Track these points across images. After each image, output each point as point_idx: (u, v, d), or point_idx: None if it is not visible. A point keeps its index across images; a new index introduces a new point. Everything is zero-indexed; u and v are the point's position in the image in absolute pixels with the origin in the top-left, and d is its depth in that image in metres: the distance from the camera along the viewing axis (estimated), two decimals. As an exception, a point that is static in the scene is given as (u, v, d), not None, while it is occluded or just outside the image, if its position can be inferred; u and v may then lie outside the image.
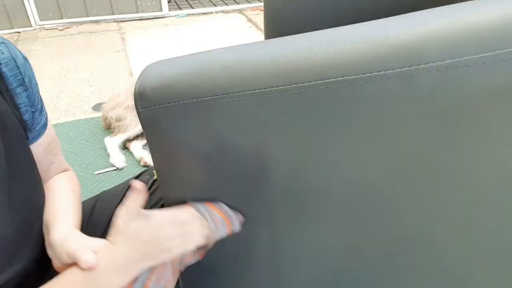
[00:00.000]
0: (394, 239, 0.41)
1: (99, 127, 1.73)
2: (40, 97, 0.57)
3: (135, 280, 0.39)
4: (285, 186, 0.37)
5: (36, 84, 0.56)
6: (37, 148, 0.56)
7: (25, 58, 0.54)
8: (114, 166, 1.48)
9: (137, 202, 0.40)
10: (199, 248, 0.42)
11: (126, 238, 0.40)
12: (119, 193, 0.79)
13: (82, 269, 0.40)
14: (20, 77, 0.51)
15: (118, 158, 1.50)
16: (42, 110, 0.57)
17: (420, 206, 0.37)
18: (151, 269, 0.40)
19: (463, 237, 0.40)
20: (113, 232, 0.40)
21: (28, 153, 0.52)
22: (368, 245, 0.41)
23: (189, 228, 0.39)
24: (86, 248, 0.42)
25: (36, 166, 0.54)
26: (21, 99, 0.52)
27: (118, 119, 1.61)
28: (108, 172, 1.46)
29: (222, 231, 0.40)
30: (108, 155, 1.53)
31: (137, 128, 1.59)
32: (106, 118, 1.66)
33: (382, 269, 0.44)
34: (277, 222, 0.41)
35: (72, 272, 0.41)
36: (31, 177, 0.52)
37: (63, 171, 0.64)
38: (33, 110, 0.54)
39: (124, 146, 1.60)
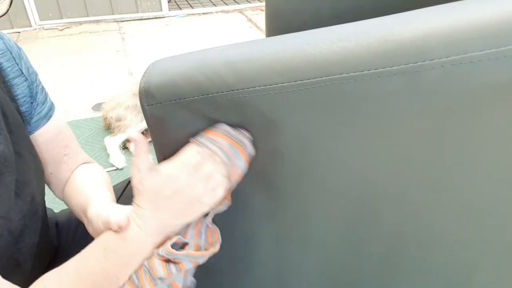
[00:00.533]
0: (397, 237, 0.41)
1: (99, 127, 1.73)
2: (43, 88, 0.56)
3: (171, 238, 0.37)
4: (289, 182, 0.37)
5: (35, 73, 0.55)
6: (40, 138, 0.55)
7: (19, 48, 0.53)
8: (114, 166, 1.48)
9: (142, 155, 0.37)
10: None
11: (147, 197, 0.38)
12: (117, 192, 0.79)
13: (115, 231, 0.39)
14: (17, 67, 0.51)
15: (118, 158, 1.50)
16: (45, 101, 0.56)
17: (424, 204, 0.37)
18: (188, 227, 0.38)
19: (465, 236, 0.40)
20: (134, 193, 0.39)
21: (27, 141, 0.52)
22: (372, 243, 0.42)
23: (205, 171, 0.36)
24: (118, 211, 0.40)
25: (36, 154, 0.53)
26: (19, 89, 0.51)
27: (118, 119, 1.61)
28: (108, 172, 1.46)
29: (239, 160, 0.36)
30: (108, 155, 1.53)
31: (137, 128, 1.59)
32: (106, 118, 1.66)
33: (385, 267, 0.44)
34: (281, 219, 0.41)
35: (105, 235, 0.40)
36: (32, 164, 0.52)
37: (85, 163, 0.63)
38: (32, 101, 0.53)
39: (124, 146, 1.60)
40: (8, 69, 0.50)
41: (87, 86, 2.16)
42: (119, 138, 1.58)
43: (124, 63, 2.46)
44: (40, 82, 0.56)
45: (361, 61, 0.29)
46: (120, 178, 1.43)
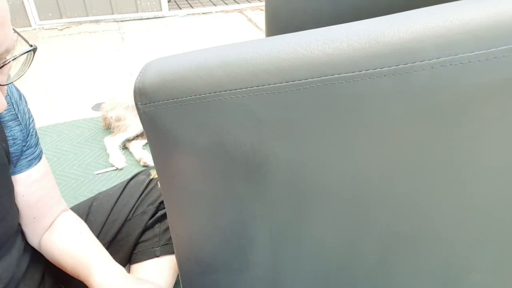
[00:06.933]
0: (391, 236, 0.41)
1: (99, 127, 1.74)
2: (36, 133, 0.59)
3: None
4: (283, 183, 0.38)
5: (31, 118, 0.58)
6: (29, 178, 0.57)
7: (20, 95, 0.56)
8: (113, 166, 1.49)
9: None
10: None
11: None
12: (115, 193, 0.80)
13: None
14: (14, 112, 0.54)
15: (117, 158, 1.50)
16: (37, 144, 0.59)
17: (417, 203, 0.38)
18: None
19: (460, 235, 0.40)
20: None
21: (7, 180, 0.54)
22: (366, 243, 0.42)
23: None
24: None
25: (13, 193, 0.56)
26: (11, 132, 0.54)
27: (118, 119, 1.61)
28: (108, 172, 1.46)
29: None
30: (108, 155, 1.53)
31: (137, 128, 1.60)
32: (105, 118, 1.66)
33: (380, 266, 0.44)
34: (275, 220, 0.41)
35: None
36: (6, 202, 0.54)
37: (64, 210, 0.66)
38: (24, 144, 0.56)
39: (124, 146, 1.60)
40: (4, 112, 0.52)
41: (87, 86, 2.16)
42: (119, 138, 1.58)
43: (124, 63, 2.46)
44: (34, 127, 0.59)
45: (352, 62, 0.29)
46: (120, 178, 1.43)
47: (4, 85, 0.41)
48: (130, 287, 0.53)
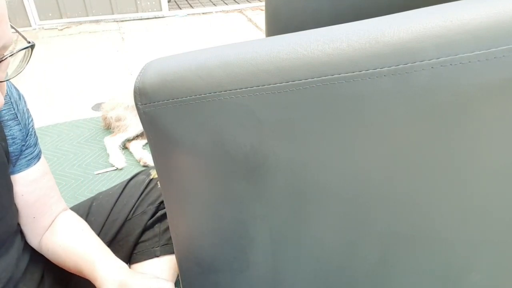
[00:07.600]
0: (391, 236, 0.41)
1: (99, 127, 1.74)
2: (35, 132, 0.60)
3: None
4: (283, 183, 0.38)
5: (30, 118, 0.58)
6: (28, 177, 0.58)
7: (19, 95, 0.57)
8: (113, 166, 1.49)
9: None
10: None
11: None
12: (115, 193, 0.80)
13: None
14: (13, 111, 0.54)
15: (117, 158, 1.51)
16: (36, 143, 0.60)
17: (417, 203, 0.38)
18: None
19: (460, 235, 0.40)
20: None
21: (6, 179, 0.54)
22: (366, 243, 0.42)
23: None
24: None
25: (12, 192, 0.56)
26: (11, 131, 0.54)
27: (118, 119, 1.61)
28: (108, 172, 1.46)
29: None
30: (108, 155, 1.53)
31: (137, 128, 1.60)
32: (106, 118, 1.67)
33: (380, 266, 0.44)
34: (275, 220, 0.41)
35: None
36: (5, 201, 0.54)
37: (63, 210, 0.67)
38: (23, 143, 0.56)
39: (124, 146, 1.60)
40: (4, 111, 0.53)
41: (87, 86, 2.16)
42: (119, 138, 1.58)
43: (124, 63, 2.46)
44: (33, 127, 0.59)
45: (352, 62, 0.29)
46: (120, 178, 1.43)
47: (2, 81, 0.41)
48: (135, 281, 0.53)
